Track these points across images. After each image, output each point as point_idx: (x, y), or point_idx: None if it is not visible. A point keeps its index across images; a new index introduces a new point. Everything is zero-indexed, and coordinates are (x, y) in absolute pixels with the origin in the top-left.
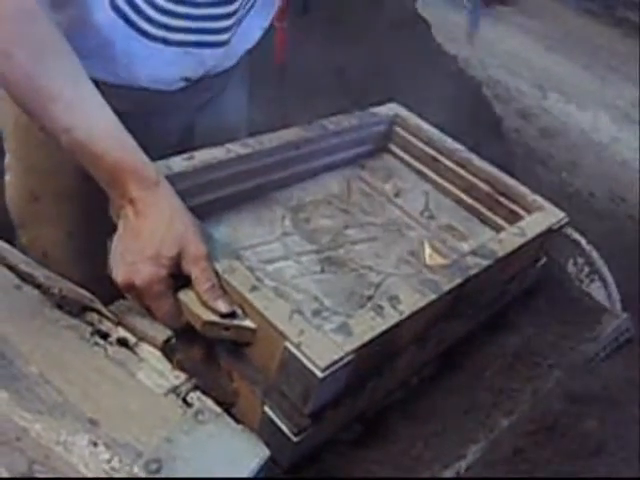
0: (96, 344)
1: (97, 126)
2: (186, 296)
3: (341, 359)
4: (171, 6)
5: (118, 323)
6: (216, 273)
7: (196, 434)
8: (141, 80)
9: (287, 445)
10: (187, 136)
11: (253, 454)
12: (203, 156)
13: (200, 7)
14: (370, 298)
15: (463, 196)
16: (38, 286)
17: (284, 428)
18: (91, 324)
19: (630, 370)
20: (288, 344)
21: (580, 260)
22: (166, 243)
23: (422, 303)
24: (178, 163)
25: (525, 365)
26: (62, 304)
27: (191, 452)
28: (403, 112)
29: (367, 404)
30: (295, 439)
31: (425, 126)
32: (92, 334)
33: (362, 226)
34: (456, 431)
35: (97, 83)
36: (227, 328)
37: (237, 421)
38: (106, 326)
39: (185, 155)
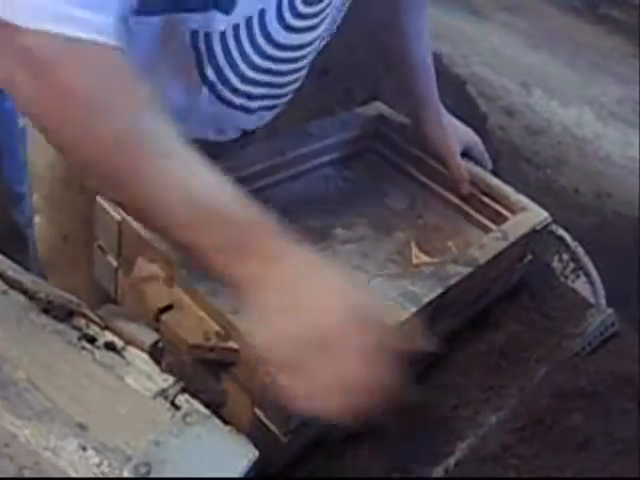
0: (83, 349)
1: (214, 183)
2: (171, 319)
3: None
4: (257, 76)
5: (105, 327)
6: (198, 295)
7: (185, 436)
8: (208, 135)
9: (277, 445)
10: None
11: (242, 455)
12: None
13: (284, 75)
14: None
15: (449, 195)
16: (24, 292)
17: (274, 429)
18: (78, 329)
19: (616, 365)
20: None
21: (565, 256)
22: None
23: (403, 317)
24: None
25: (512, 361)
26: (49, 309)
27: (180, 454)
28: (387, 111)
29: None
30: (285, 439)
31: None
32: (79, 339)
33: (349, 226)
34: (445, 428)
35: None
36: (212, 349)
37: (226, 422)
38: (93, 330)
39: None
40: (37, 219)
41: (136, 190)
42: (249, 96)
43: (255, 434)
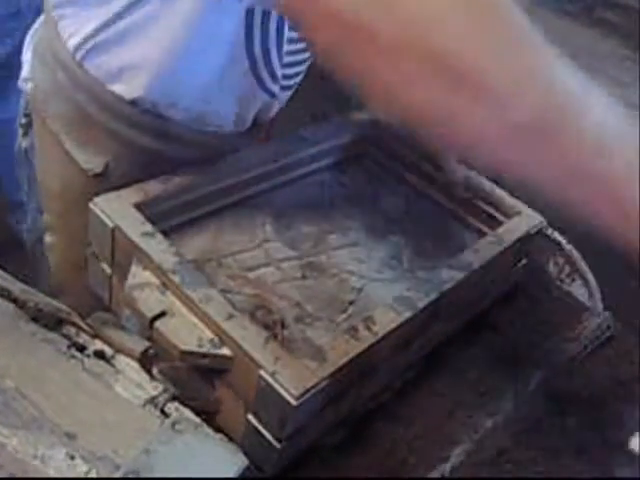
0: (73, 357)
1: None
2: (163, 326)
3: (316, 385)
4: (292, 70)
5: (95, 336)
6: (191, 301)
7: (174, 444)
8: (227, 121)
9: (271, 452)
10: None
11: (232, 463)
12: (179, 178)
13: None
14: (352, 303)
15: (443, 200)
16: (14, 300)
17: (268, 435)
18: (68, 337)
19: (612, 368)
20: (263, 372)
21: (561, 260)
22: None
23: (397, 322)
24: (154, 186)
25: (507, 365)
26: (38, 317)
27: (169, 463)
28: (382, 116)
29: (350, 409)
30: (279, 446)
31: (404, 130)
32: (69, 347)
33: (343, 231)
34: (440, 433)
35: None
36: (204, 356)
37: (219, 429)
38: (83, 339)
39: (161, 178)
40: (48, 238)
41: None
42: (284, 87)
43: (249, 441)
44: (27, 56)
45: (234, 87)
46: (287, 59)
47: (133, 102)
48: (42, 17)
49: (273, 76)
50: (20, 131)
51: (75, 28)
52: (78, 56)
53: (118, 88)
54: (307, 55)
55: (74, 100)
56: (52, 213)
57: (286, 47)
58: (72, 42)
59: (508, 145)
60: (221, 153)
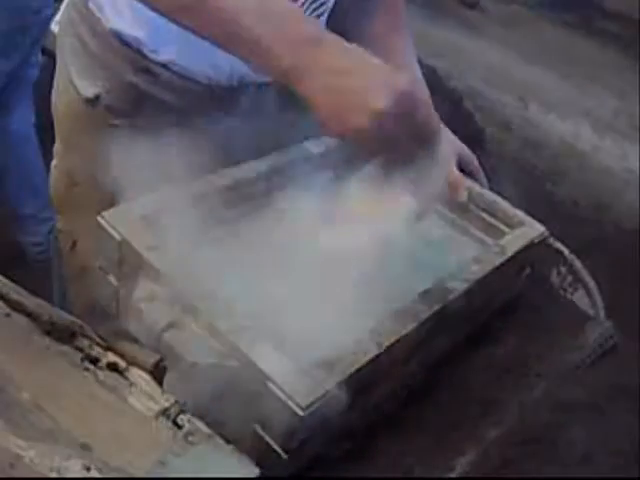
0: (86, 370)
1: None
2: (171, 338)
3: (322, 397)
4: None
5: (108, 348)
6: (199, 313)
7: (187, 456)
8: (208, 65)
9: (278, 463)
10: None
11: (244, 474)
12: (185, 191)
13: None
14: (360, 313)
15: (446, 211)
16: (28, 314)
17: (275, 446)
18: (81, 350)
19: (615, 377)
20: (270, 384)
21: (563, 269)
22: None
23: (402, 333)
24: (161, 199)
25: (511, 376)
26: (52, 331)
27: (182, 474)
28: None
29: (356, 420)
30: (286, 457)
31: None
32: (82, 360)
33: (350, 243)
34: (445, 444)
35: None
36: (212, 368)
37: (227, 440)
38: (96, 351)
39: (167, 191)
40: (55, 162)
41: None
42: None
43: (256, 451)
44: (64, 4)
45: None
46: None
47: (115, 33)
48: None
49: None
50: None
51: None
52: None
53: (109, 22)
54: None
55: (78, 33)
56: (60, 138)
57: None
58: None
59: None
60: (200, 103)
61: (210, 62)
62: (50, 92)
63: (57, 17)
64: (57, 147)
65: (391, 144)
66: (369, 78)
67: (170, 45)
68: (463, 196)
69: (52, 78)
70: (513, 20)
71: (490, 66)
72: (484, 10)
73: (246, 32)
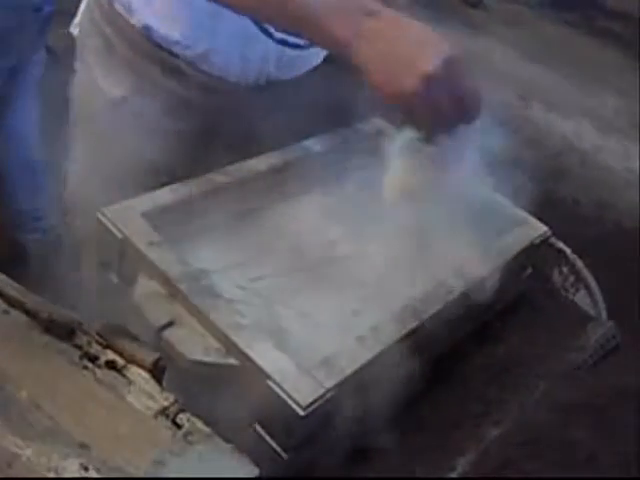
0: (85, 368)
1: None
2: (171, 335)
3: (323, 395)
4: None
5: (106, 346)
6: (199, 311)
7: (186, 455)
8: (231, 65)
9: (278, 462)
10: None
11: (243, 474)
12: (186, 188)
13: None
14: (358, 313)
15: (447, 210)
16: (26, 311)
17: (275, 445)
18: (80, 347)
19: (617, 378)
20: (270, 382)
21: (565, 269)
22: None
23: (403, 331)
24: (162, 196)
25: (512, 376)
26: (50, 328)
27: (181, 473)
28: (387, 128)
29: (357, 419)
30: (286, 456)
31: None
32: (81, 357)
33: (349, 240)
34: (446, 443)
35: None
36: (212, 366)
37: (227, 439)
38: (95, 349)
39: (168, 188)
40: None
41: None
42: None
43: (255, 450)
44: (82, 6)
45: (230, 25)
46: None
47: (145, 33)
48: None
49: None
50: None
51: None
52: None
53: (140, 20)
54: None
55: (104, 33)
56: (78, 141)
57: None
58: None
59: None
60: (228, 103)
61: (241, 59)
62: (52, 90)
63: (76, 20)
64: (76, 152)
65: (437, 108)
66: (419, 44)
67: (203, 41)
68: None
69: (55, 77)
70: (515, 19)
71: (492, 65)
72: (486, 9)
73: (305, 8)
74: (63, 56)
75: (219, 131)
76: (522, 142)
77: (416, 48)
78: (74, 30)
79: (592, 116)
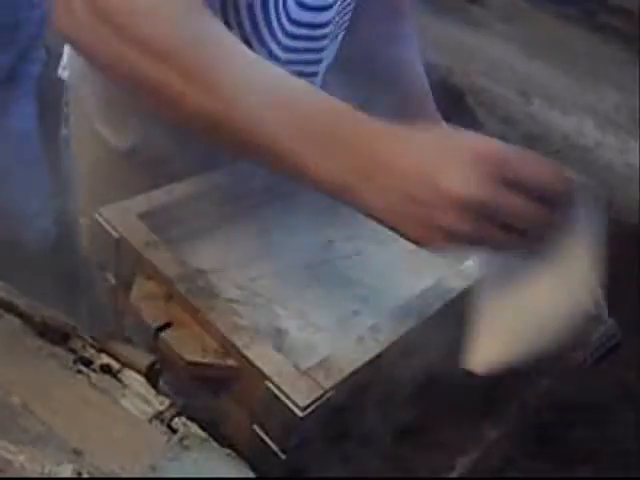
0: (79, 372)
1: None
2: (168, 336)
3: (322, 396)
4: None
5: (101, 350)
6: (196, 312)
7: (181, 460)
8: None
9: (276, 463)
10: None
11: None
12: (183, 188)
13: (301, 53)
14: (357, 312)
15: None
16: (19, 315)
17: (273, 446)
18: (74, 351)
19: (619, 376)
20: (268, 383)
21: None
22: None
23: (402, 331)
24: (158, 196)
25: (513, 374)
26: (44, 332)
27: (176, 479)
28: None
29: (356, 420)
30: (284, 457)
31: None
32: (75, 362)
33: (348, 240)
34: (446, 442)
35: None
36: (210, 367)
37: (225, 440)
38: (89, 353)
39: (165, 188)
40: (82, 220)
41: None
42: (281, 39)
43: (254, 451)
44: (67, 47)
45: None
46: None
47: None
48: None
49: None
50: (63, 122)
51: None
52: None
53: None
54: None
55: (104, 80)
56: (85, 195)
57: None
58: None
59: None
60: None
61: None
62: (50, 88)
63: (63, 61)
64: (83, 205)
65: (502, 225)
66: (432, 163)
67: None
68: None
69: (52, 75)
70: (515, 14)
71: (492, 61)
72: (485, 4)
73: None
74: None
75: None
76: (522, 138)
77: (430, 168)
78: (62, 74)
79: (593, 112)
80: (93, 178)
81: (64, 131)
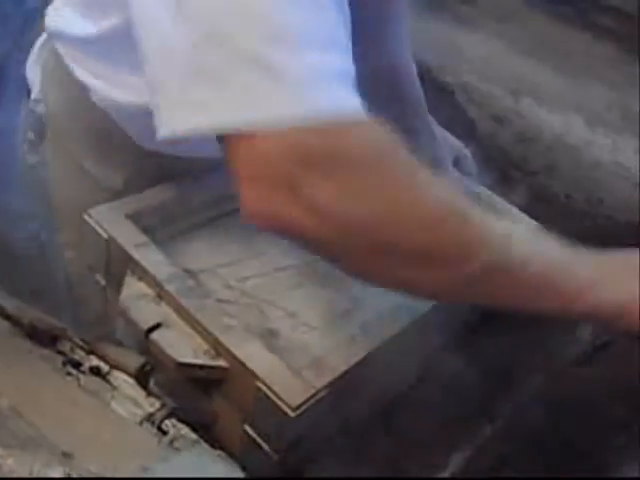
0: (68, 374)
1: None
2: (159, 337)
3: (314, 396)
4: None
5: (90, 352)
6: (187, 312)
7: (172, 462)
8: None
9: (269, 464)
10: None
11: None
12: (173, 188)
13: None
14: (349, 311)
15: None
16: (7, 317)
17: (266, 447)
18: (63, 354)
19: (611, 373)
20: (260, 384)
21: None
22: None
23: (394, 330)
24: (147, 197)
25: (505, 371)
26: (33, 334)
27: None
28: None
29: (349, 419)
30: (277, 457)
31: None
32: (64, 364)
33: None
34: (439, 440)
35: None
36: (201, 367)
37: (217, 441)
38: (78, 355)
39: (154, 188)
40: (67, 254)
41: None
42: None
43: (246, 452)
44: (34, 75)
45: None
46: None
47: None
48: (42, 39)
49: None
50: (25, 147)
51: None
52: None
53: (128, 97)
54: None
55: (91, 117)
56: (70, 230)
57: None
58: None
59: (463, 295)
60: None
61: None
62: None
63: (34, 93)
64: (67, 238)
65: None
66: None
67: None
68: None
69: None
70: (506, 13)
71: (482, 59)
72: (477, 3)
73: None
74: None
75: None
76: (513, 137)
77: None
78: (35, 106)
79: (583, 110)
80: (81, 215)
81: (30, 158)
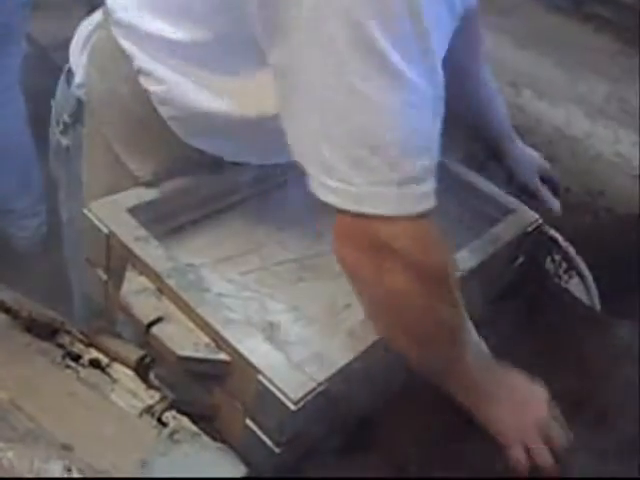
0: (68, 367)
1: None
2: (160, 331)
3: (313, 390)
4: None
5: (89, 344)
6: (187, 306)
7: (172, 455)
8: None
9: (270, 457)
10: None
11: (230, 473)
12: (173, 183)
13: None
14: (349, 305)
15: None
16: (7, 310)
17: (266, 440)
18: (62, 346)
19: (611, 365)
20: (260, 377)
21: (557, 257)
22: None
23: None
24: (148, 192)
25: (504, 364)
26: (32, 327)
27: (167, 473)
28: None
29: (349, 413)
30: (277, 450)
31: None
32: (63, 357)
33: None
34: (439, 438)
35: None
36: (201, 361)
37: (218, 434)
38: (77, 348)
39: (155, 184)
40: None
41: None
42: None
43: (247, 445)
44: (81, 60)
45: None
46: None
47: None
48: (97, 20)
49: None
50: (58, 128)
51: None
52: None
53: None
54: None
55: (133, 110)
56: None
57: None
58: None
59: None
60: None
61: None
62: (40, 87)
63: (78, 78)
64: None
65: None
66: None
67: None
68: (559, 212)
69: (38, 68)
70: (507, 6)
71: (484, 53)
72: None
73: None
74: (51, 52)
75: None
76: (513, 129)
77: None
78: (78, 91)
79: (582, 103)
80: None
81: (63, 140)
